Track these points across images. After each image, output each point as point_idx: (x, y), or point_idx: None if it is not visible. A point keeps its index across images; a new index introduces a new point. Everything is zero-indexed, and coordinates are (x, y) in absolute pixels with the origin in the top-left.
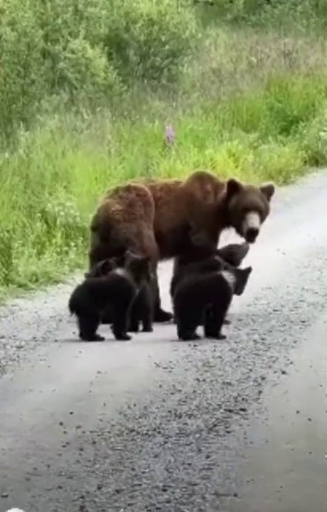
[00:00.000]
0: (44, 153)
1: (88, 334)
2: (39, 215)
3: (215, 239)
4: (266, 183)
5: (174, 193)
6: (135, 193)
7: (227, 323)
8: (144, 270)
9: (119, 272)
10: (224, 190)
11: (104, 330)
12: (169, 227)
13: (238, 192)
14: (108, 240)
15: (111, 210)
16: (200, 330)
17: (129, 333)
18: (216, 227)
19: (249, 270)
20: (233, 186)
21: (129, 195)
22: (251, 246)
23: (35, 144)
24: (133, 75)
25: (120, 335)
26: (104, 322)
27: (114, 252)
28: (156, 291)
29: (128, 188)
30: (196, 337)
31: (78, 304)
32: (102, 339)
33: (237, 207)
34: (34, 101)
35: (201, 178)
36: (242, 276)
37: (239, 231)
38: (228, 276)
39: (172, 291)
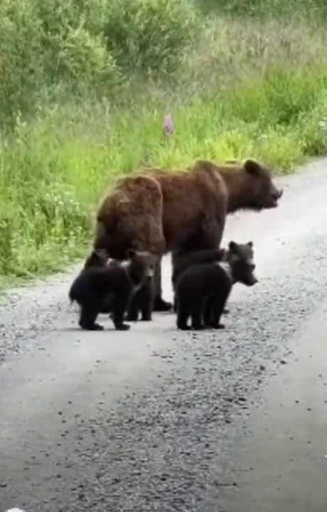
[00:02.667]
0: (42, 142)
1: (87, 323)
2: (38, 204)
3: (223, 225)
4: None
5: (184, 185)
6: (145, 186)
7: (226, 312)
8: (143, 270)
9: (120, 263)
10: (245, 173)
11: (103, 319)
12: (182, 221)
13: (261, 171)
14: (113, 231)
15: (119, 202)
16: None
17: (127, 323)
18: (224, 214)
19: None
20: (255, 167)
21: (139, 188)
22: (250, 235)
23: (34, 134)
24: (132, 64)
25: (119, 324)
26: (104, 311)
27: (119, 243)
28: (158, 280)
29: (138, 180)
30: (203, 327)
31: (78, 293)
32: (101, 328)
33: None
34: (33, 90)
35: (206, 167)
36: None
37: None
38: (226, 267)
39: (174, 281)
